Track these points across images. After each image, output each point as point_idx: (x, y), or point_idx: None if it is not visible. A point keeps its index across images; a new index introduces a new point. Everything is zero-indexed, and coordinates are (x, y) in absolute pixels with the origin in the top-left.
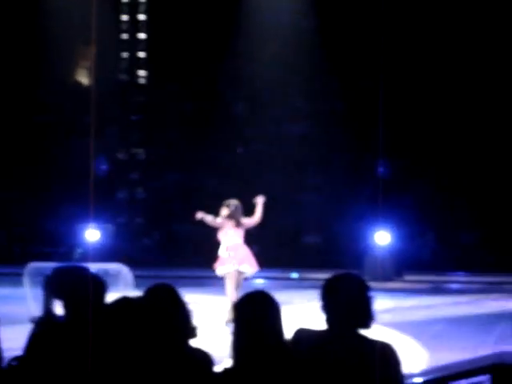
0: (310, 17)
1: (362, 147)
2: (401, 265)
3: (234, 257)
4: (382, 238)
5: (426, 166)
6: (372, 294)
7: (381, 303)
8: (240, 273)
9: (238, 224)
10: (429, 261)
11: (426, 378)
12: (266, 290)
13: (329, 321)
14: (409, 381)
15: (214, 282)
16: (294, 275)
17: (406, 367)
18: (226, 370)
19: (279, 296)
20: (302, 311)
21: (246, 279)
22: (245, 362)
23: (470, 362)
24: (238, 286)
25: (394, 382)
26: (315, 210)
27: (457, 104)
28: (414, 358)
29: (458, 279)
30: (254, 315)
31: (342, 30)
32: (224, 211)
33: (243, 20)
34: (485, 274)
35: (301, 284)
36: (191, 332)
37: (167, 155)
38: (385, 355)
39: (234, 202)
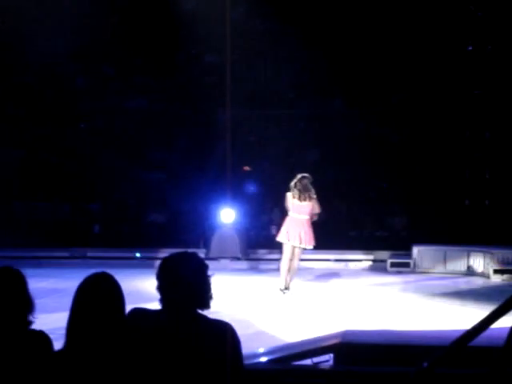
0: None
1: (208, 123)
2: (247, 243)
3: None
4: (228, 215)
5: (269, 144)
6: (212, 272)
7: (226, 282)
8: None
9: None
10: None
11: (270, 357)
12: (109, 268)
13: (165, 301)
14: (253, 360)
15: (52, 263)
16: (138, 254)
17: (249, 347)
18: (62, 351)
19: (122, 275)
20: (145, 291)
21: None
22: (81, 342)
23: (314, 341)
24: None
25: (233, 361)
26: (159, 187)
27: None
28: (257, 337)
29: (303, 256)
30: (95, 296)
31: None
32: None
33: None
34: (329, 251)
35: (144, 263)
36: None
37: (4, 131)
38: (224, 335)
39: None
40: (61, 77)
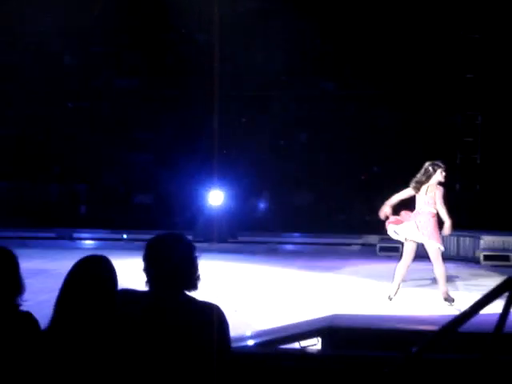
0: None
1: (196, 103)
2: (235, 225)
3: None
4: (216, 197)
5: (260, 124)
6: (199, 254)
7: (214, 264)
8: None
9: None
10: (263, 221)
11: (257, 341)
12: (96, 250)
13: (152, 282)
14: (240, 344)
15: (38, 243)
16: (125, 236)
17: (237, 330)
18: (49, 329)
19: (109, 257)
20: (133, 272)
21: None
22: (68, 322)
23: (302, 324)
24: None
25: (220, 343)
26: (146, 168)
27: None
28: (245, 320)
29: (292, 240)
30: (86, 278)
31: None
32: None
33: None
34: (318, 235)
35: (131, 245)
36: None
37: None
38: (211, 316)
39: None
40: (48, 55)
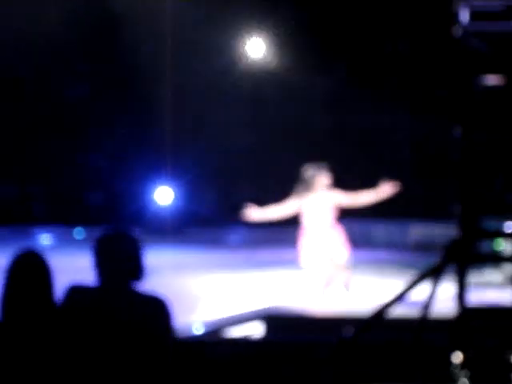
0: None
1: (148, 107)
2: (182, 220)
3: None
4: (164, 193)
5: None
6: (144, 248)
7: (161, 258)
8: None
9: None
10: (209, 215)
11: (204, 330)
12: (51, 247)
13: (101, 277)
14: (188, 333)
15: None
16: (79, 233)
17: (184, 319)
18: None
19: (63, 253)
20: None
21: None
22: (13, 320)
23: (245, 313)
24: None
25: (165, 334)
26: (97, 168)
27: None
28: (191, 310)
29: (237, 232)
30: (23, 274)
31: None
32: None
33: None
34: (262, 227)
35: (84, 242)
36: None
37: None
38: (156, 308)
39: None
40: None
